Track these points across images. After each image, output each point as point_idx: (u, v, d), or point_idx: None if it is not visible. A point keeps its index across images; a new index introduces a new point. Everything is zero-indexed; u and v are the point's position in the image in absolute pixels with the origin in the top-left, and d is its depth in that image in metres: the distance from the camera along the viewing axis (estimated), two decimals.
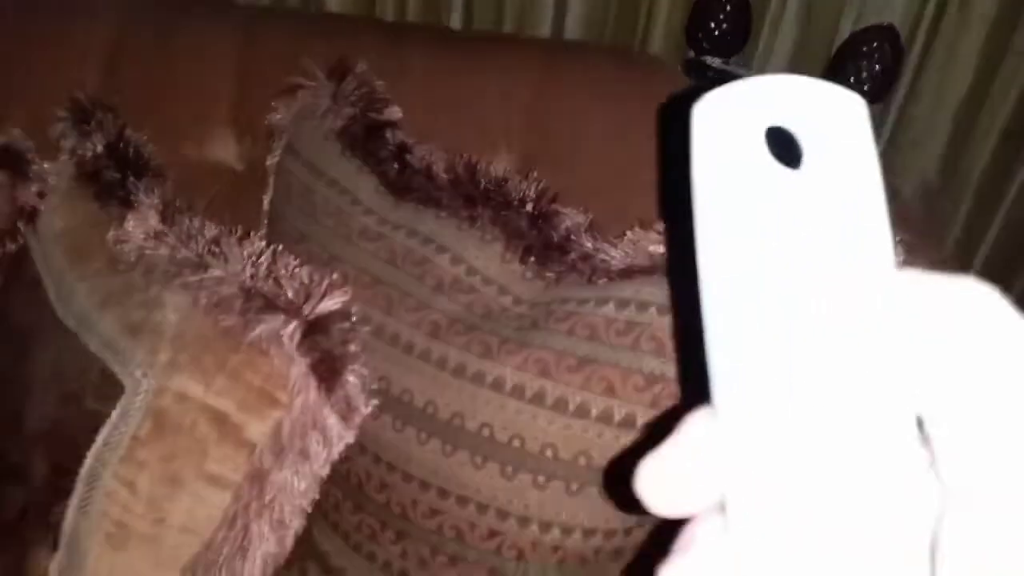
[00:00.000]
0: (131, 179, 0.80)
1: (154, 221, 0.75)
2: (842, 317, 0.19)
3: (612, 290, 0.71)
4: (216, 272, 0.69)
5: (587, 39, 1.19)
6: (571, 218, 0.77)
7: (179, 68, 0.95)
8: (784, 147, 0.21)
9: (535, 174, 0.81)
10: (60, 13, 0.98)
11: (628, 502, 0.22)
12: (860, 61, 0.85)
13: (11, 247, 0.83)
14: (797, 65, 1.19)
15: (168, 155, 0.93)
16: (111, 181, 0.81)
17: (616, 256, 0.74)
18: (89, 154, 0.84)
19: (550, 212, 0.78)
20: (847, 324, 0.19)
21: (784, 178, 0.20)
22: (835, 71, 0.88)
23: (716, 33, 0.93)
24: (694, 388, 0.22)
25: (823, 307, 0.19)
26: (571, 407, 0.67)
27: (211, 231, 0.76)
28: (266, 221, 0.89)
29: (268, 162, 0.91)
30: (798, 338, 0.19)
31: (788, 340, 0.19)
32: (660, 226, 0.74)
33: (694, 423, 0.20)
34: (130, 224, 0.76)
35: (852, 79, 0.87)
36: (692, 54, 0.97)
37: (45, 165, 0.85)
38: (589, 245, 0.75)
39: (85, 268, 0.77)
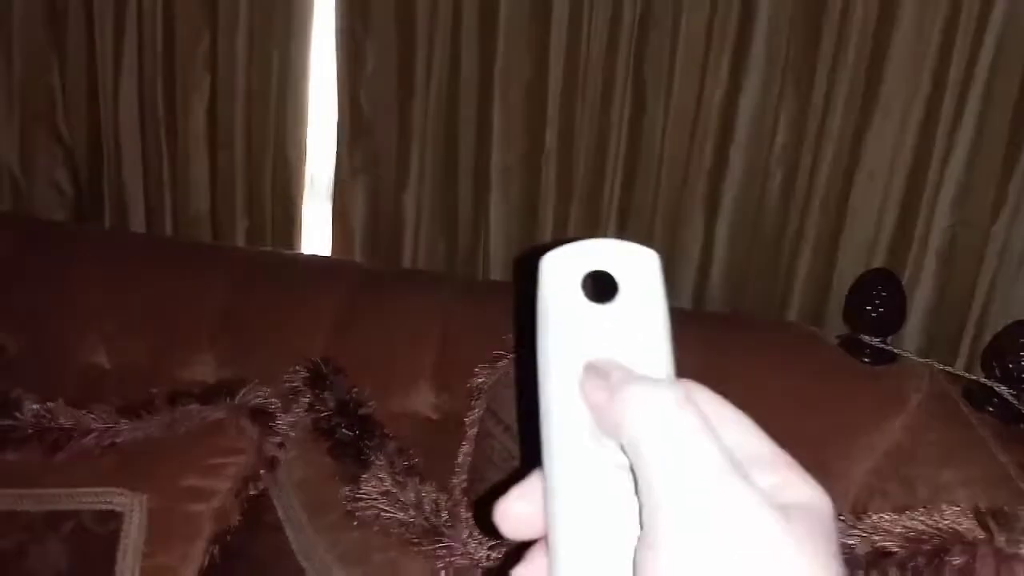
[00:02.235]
0: (364, 440, 0.93)
1: (388, 483, 0.86)
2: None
3: None
4: (450, 542, 0.79)
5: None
6: None
7: (393, 333, 1.10)
8: (607, 285, 0.30)
9: None
10: (297, 281, 1.16)
11: (491, 529, 0.31)
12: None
13: (254, 491, 0.96)
14: (932, 334, 1.28)
15: (379, 406, 1.07)
16: (345, 439, 0.94)
17: None
18: (324, 412, 0.98)
19: None
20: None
21: (594, 310, 0.30)
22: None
23: (872, 315, 1.03)
24: (532, 457, 0.31)
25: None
26: None
27: (433, 494, 0.86)
28: (465, 476, 0.99)
29: (467, 418, 1.03)
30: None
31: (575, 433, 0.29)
32: (848, 517, 0.80)
33: (531, 480, 0.30)
34: (365, 484, 0.87)
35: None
36: (849, 331, 1.07)
37: (286, 419, 0.99)
38: None
39: (322, 520, 0.89)
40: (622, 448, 0.28)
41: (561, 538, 0.28)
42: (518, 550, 0.32)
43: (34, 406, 0.99)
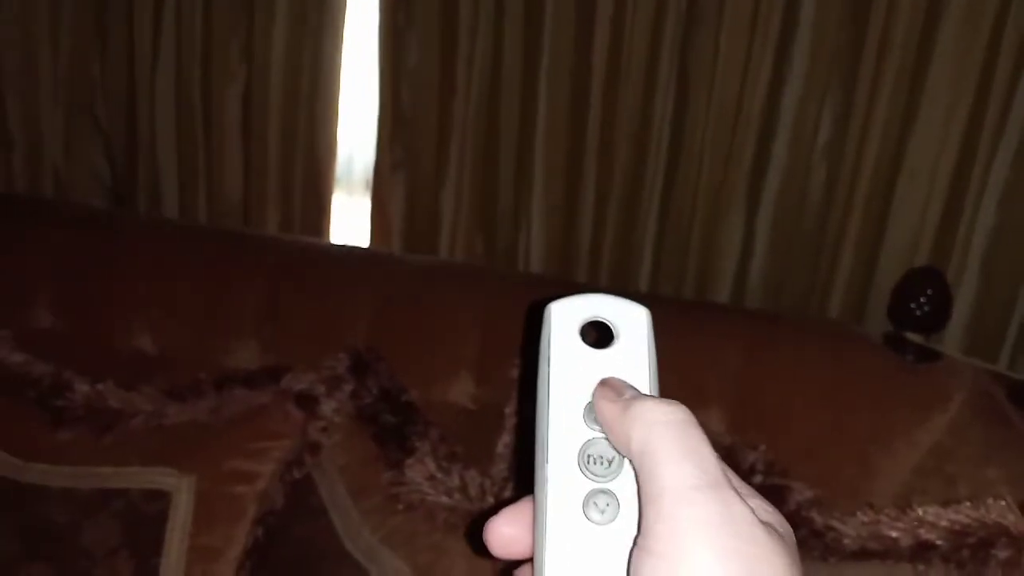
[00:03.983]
0: (408, 427, 0.94)
1: (432, 468, 0.87)
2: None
3: (847, 570, 0.78)
4: None
5: (767, 305, 1.31)
6: (801, 492, 0.85)
7: (435, 323, 1.11)
8: (604, 333, 0.35)
9: (763, 447, 0.90)
10: (338, 270, 1.17)
11: (482, 549, 0.35)
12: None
13: (298, 475, 0.97)
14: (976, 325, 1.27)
15: (419, 395, 1.08)
16: (388, 425, 0.95)
17: (849, 535, 0.80)
18: (368, 399, 0.99)
19: (779, 486, 0.86)
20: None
21: (591, 354, 0.34)
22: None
23: (917, 313, 1.03)
24: (524, 481, 0.34)
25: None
26: None
27: (478, 479, 0.87)
28: (506, 466, 1.00)
29: (507, 409, 1.04)
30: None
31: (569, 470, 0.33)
32: (891, 511, 0.80)
33: (521, 504, 0.34)
34: (409, 469, 0.88)
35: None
36: (894, 329, 1.06)
37: (330, 405, 1.00)
38: (820, 522, 0.82)
39: (366, 503, 0.90)
40: (630, 462, 0.32)
41: (547, 560, 0.32)
42: (506, 570, 0.35)
43: (85, 387, 1.01)
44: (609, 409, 0.32)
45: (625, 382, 0.33)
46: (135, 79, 1.52)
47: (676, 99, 1.30)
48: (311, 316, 1.14)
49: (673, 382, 1.07)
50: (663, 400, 0.32)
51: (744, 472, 0.87)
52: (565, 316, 0.35)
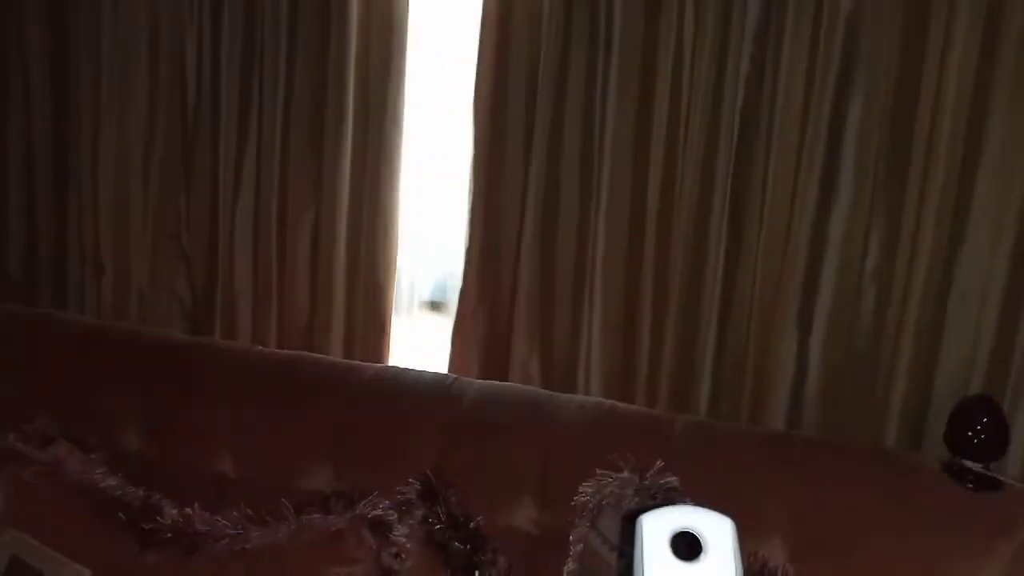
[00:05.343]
0: (476, 555, 0.98)
1: None
2: None
3: None
4: None
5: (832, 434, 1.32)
6: None
7: (499, 448, 1.16)
8: (694, 543, 0.38)
9: None
10: (406, 397, 1.24)
11: None
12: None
13: None
14: None
15: (485, 521, 1.11)
16: (458, 553, 0.99)
17: None
18: (438, 525, 1.03)
19: None
20: None
21: (680, 567, 0.39)
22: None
23: (975, 441, 1.04)
24: None
25: None
26: None
27: None
28: None
29: (572, 536, 1.06)
30: None
31: None
32: None
33: None
34: None
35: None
36: (951, 456, 1.07)
37: (402, 530, 1.05)
38: None
39: None
40: None
41: None
42: None
43: (173, 511, 1.07)
44: None
45: None
46: (217, 211, 1.66)
47: (729, 228, 1.35)
48: (381, 441, 1.20)
49: (735, 509, 1.08)
50: None
51: None
52: (655, 529, 0.40)
